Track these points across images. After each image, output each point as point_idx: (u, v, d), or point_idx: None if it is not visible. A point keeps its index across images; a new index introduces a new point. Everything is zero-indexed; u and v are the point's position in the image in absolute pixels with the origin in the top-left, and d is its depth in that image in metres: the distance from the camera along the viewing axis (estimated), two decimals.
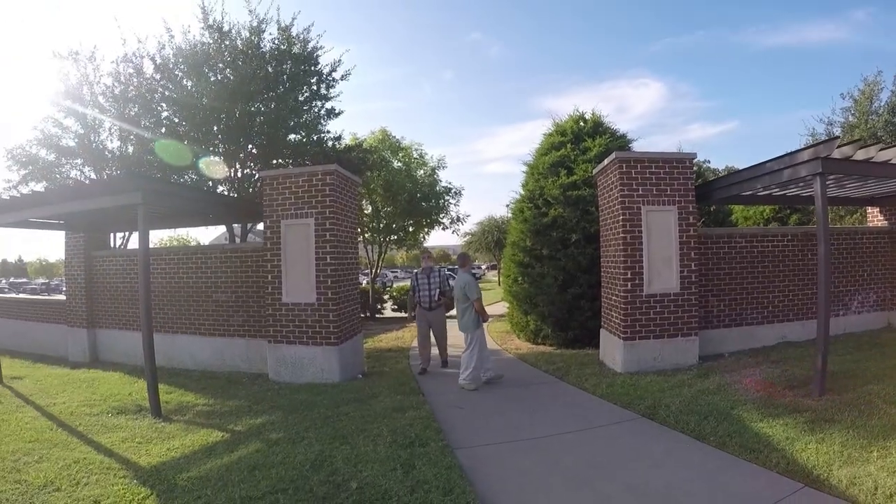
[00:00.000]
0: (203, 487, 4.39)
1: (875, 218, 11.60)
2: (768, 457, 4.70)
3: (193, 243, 36.00)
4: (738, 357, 8.87)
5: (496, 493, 4.33)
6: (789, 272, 10.01)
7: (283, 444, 5.47)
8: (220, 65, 13.65)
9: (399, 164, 21.90)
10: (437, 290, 9.60)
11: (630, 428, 5.92)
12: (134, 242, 15.10)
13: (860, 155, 7.08)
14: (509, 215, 19.66)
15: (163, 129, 13.88)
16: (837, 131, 21.71)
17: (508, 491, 4.39)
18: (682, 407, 6.25)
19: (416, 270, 9.93)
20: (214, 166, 13.56)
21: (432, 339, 9.82)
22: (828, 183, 7.58)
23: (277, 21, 14.19)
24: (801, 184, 8.61)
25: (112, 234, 13.44)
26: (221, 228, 21.84)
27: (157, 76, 13.74)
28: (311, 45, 14.54)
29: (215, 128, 13.70)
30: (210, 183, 14.04)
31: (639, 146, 12.57)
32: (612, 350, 8.89)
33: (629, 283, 8.52)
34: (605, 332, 9.38)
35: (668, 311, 8.58)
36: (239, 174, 14.43)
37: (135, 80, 13.83)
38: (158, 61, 13.67)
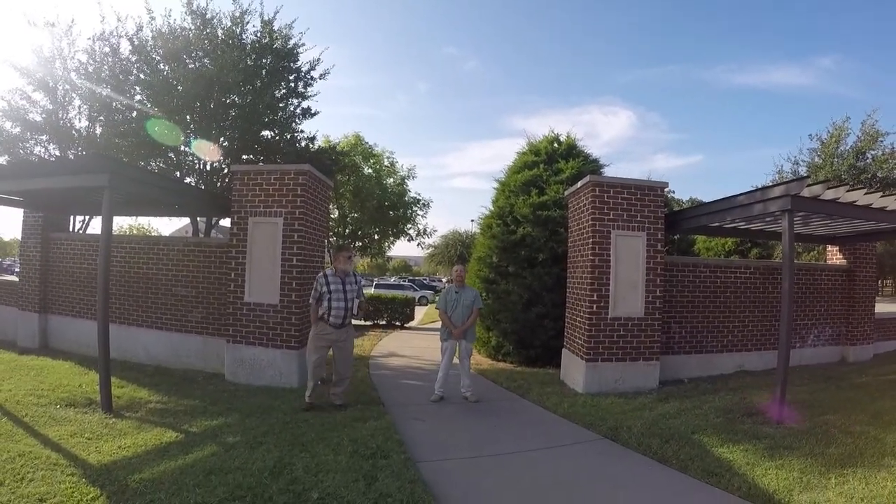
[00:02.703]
0: (156, 491, 4.20)
1: (834, 256, 12.07)
2: (730, 481, 4.78)
3: (154, 233, 35.29)
4: (697, 383, 9.06)
5: None
6: (750, 304, 10.30)
7: (241, 448, 5.30)
8: (199, 52, 13.45)
9: (370, 170, 21.85)
10: (355, 301, 7.22)
11: (593, 448, 5.94)
12: (94, 227, 14.67)
13: (829, 195, 7.32)
14: (475, 230, 19.69)
15: (134, 113, 13.52)
16: (803, 170, 22.59)
17: None
18: (643, 429, 6.31)
19: (325, 271, 7.49)
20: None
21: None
22: (794, 220, 7.79)
23: (261, 14, 14.07)
24: (769, 219, 8.87)
25: (72, 217, 13.02)
26: (184, 221, 21.38)
27: (134, 58, 13.42)
28: (292, 41, 14.48)
29: (188, 117, 13.44)
30: (178, 173, 13.75)
31: (607, 172, 12.71)
32: (574, 370, 8.92)
33: (595, 306, 8.58)
34: (568, 353, 9.42)
35: (631, 335, 8.68)
36: (209, 166, 14.16)
37: (110, 59, 13.48)
38: (136, 42, 13.39)
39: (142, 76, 13.41)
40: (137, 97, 13.81)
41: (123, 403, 6.88)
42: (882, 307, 14.08)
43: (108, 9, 33.26)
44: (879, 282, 49.30)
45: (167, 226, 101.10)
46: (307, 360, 7.19)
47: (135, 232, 31.54)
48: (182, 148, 13.88)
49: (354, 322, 7.84)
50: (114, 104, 13.55)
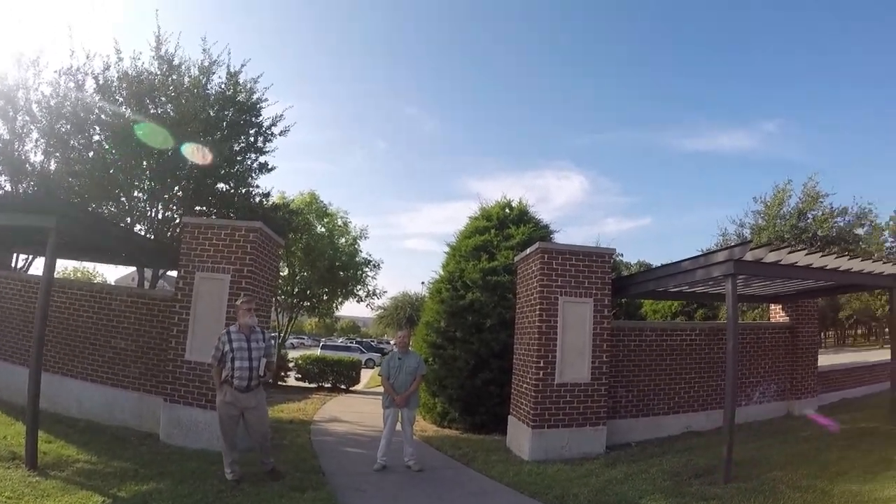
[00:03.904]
0: None
1: (777, 314, 12.49)
2: None
3: (99, 279, 34.27)
4: (644, 446, 9.08)
5: None
6: (695, 365, 10.48)
7: None
8: (163, 98, 13.35)
9: (323, 229, 21.78)
10: (262, 361, 6.59)
11: None
12: (37, 267, 14.17)
13: (771, 258, 7.60)
14: (425, 293, 19.66)
15: (91, 153, 13.26)
16: (747, 232, 23.51)
17: None
18: (590, 497, 6.30)
19: (229, 328, 6.69)
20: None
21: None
22: (738, 282, 8.04)
23: (228, 65, 14.11)
24: (711, 282, 9.09)
25: (15, 255, 12.59)
26: (131, 268, 20.86)
27: (97, 97, 13.24)
28: (255, 95, 14.50)
29: (145, 162, 13.24)
30: (128, 219, 13.47)
31: (559, 237, 13.04)
32: (520, 437, 8.87)
33: (541, 372, 8.61)
34: (514, 419, 9.37)
35: (577, 401, 8.71)
36: (160, 216, 13.92)
37: (73, 94, 13.26)
38: (101, 81, 13.20)
39: (102, 116, 13.22)
40: (96, 137, 13.57)
41: (50, 461, 6.52)
42: (825, 359, 14.50)
43: (78, 44, 33.06)
44: (821, 334, 50.73)
45: (113, 272, 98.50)
46: (220, 431, 6.49)
47: (79, 276, 30.58)
48: (134, 194, 13.65)
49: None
50: (71, 142, 13.28)
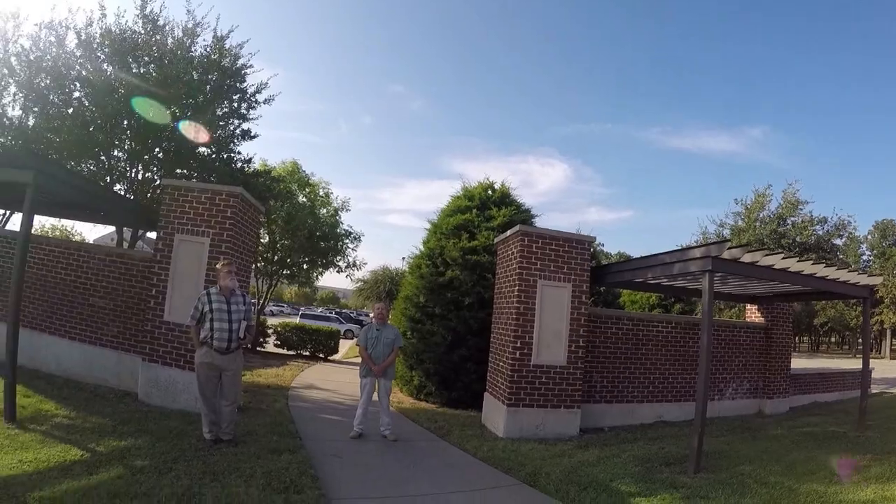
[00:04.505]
0: None
1: (753, 314, 12.83)
2: None
3: (77, 237, 33.66)
4: (617, 432, 9.32)
5: None
6: (670, 356, 10.74)
7: (149, 473, 5.10)
8: (146, 58, 13.06)
9: (304, 199, 21.63)
10: (241, 324, 6.53)
11: (510, 493, 5.99)
12: (14, 224, 13.90)
13: (747, 258, 7.79)
14: (405, 269, 19.65)
15: (70, 110, 12.97)
16: (727, 233, 23.82)
17: None
18: (562, 476, 6.41)
19: (209, 289, 6.62)
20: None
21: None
22: (714, 279, 8.21)
23: (214, 29, 13.85)
24: (690, 277, 9.27)
25: None
26: (110, 228, 20.51)
27: (79, 52, 12.93)
28: (241, 61, 14.24)
29: (125, 122, 13.00)
30: (108, 178, 13.26)
31: (540, 222, 13.04)
32: (496, 415, 9.00)
33: (518, 352, 8.73)
34: (490, 397, 9.50)
35: (553, 383, 8.85)
36: (140, 176, 13.71)
37: (54, 49, 12.90)
38: (83, 37, 12.87)
39: (83, 73, 12.93)
40: (76, 94, 13.28)
41: (28, 414, 6.53)
42: (798, 363, 14.92)
43: None
44: (796, 339, 52.09)
45: (91, 231, 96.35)
46: (198, 391, 6.48)
47: (57, 234, 29.99)
48: (114, 153, 13.41)
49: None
50: (51, 97, 12.96)
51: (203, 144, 13.52)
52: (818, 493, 6.05)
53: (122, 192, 13.41)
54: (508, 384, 8.67)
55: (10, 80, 12.98)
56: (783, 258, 8.22)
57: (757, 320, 12.64)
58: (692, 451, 6.97)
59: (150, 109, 12.52)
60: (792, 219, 23.79)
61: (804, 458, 7.77)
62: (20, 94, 13.08)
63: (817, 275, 8.91)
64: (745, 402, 11.80)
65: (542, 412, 8.73)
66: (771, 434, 9.59)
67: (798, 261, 8.46)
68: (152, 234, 11.03)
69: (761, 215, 23.94)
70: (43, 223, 32.65)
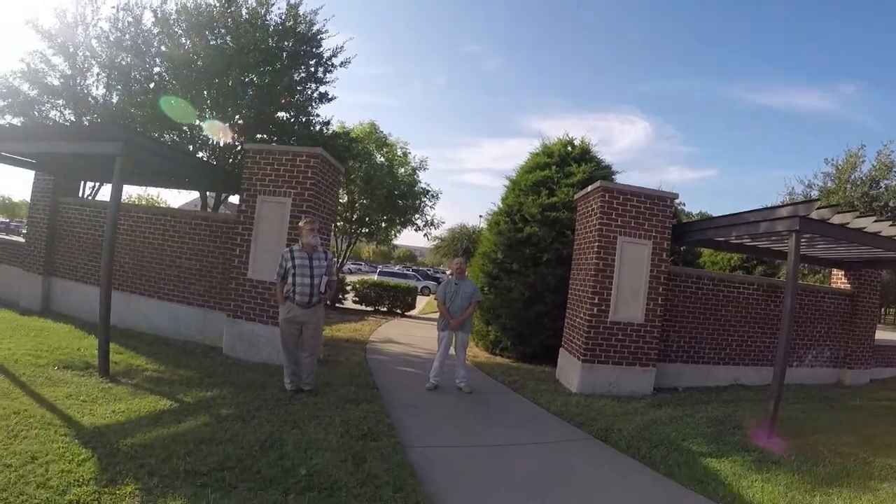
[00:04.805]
0: (147, 456, 4.22)
1: (839, 280, 12.10)
2: (715, 489, 4.81)
3: (163, 205, 35.35)
4: (691, 393, 9.11)
5: (445, 495, 4.30)
6: (750, 319, 10.32)
7: (233, 421, 5.36)
8: (223, 29, 13.39)
9: (382, 158, 21.79)
10: (323, 279, 6.73)
11: (582, 447, 5.97)
12: (104, 195, 14.71)
13: (837, 219, 7.30)
14: (482, 226, 19.66)
15: (152, 85, 13.55)
16: (815, 194, 22.54)
17: (457, 494, 4.38)
18: (634, 433, 6.33)
19: (293, 246, 6.91)
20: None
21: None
22: (801, 241, 7.80)
23: None
24: (775, 238, 8.86)
25: (83, 183, 13.07)
26: (193, 194, 21.35)
27: (156, 30, 13.43)
28: (315, 27, 14.39)
29: (206, 92, 13.44)
30: (191, 147, 13.79)
31: (620, 179, 12.69)
32: (570, 370, 8.95)
33: (595, 308, 8.61)
34: (565, 353, 9.46)
35: (629, 340, 8.70)
36: (221, 143, 14.19)
37: (132, 29, 13.47)
38: (159, 14, 13.35)
39: (162, 48, 13.41)
40: (156, 69, 13.82)
41: (121, 369, 6.93)
42: (883, 335, 14.10)
43: None
44: (882, 309, 49.25)
45: (176, 198, 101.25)
46: (281, 344, 6.82)
47: (144, 202, 31.55)
48: (197, 123, 13.91)
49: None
50: (132, 74, 13.55)
51: (274, 102, 13.79)
52: (893, 468, 5.72)
53: (206, 159, 13.92)
54: (584, 340, 8.59)
55: (94, 62, 13.64)
56: (875, 221, 7.68)
57: (843, 286, 11.92)
58: (767, 416, 6.75)
59: (228, 79, 12.89)
60: (886, 182, 22.25)
61: (882, 431, 7.35)
62: (103, 74, 13.75)
63: None
64: (824, 371, 11.23)
65: (617, 369, 8.62)
66: (849, 405, 9.14)
67: (891, 225, 7.86)
68: (234, 199, 11.41)
69: (853, 177, 22.53)
70: (129, 192, 34.46)
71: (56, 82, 13.45)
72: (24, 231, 13.73)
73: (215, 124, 13.30)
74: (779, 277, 16.83)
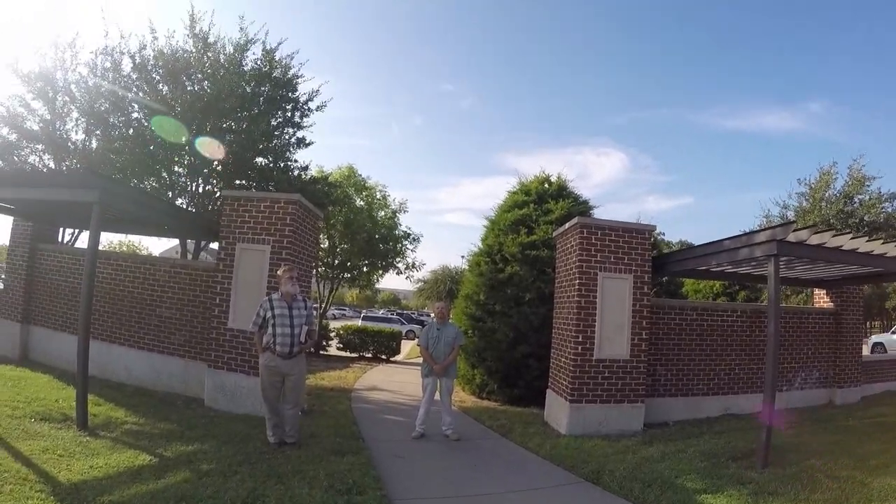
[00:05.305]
0: None
1: (822, 299, 12.21)
2: None
3: (144, 252, 35.09)
4: (682, 426, 9.02)
5: None
6: (736, 346, 10.33)
7: (214, 476, 5.20)
8: (199, 75, 13.47)
9: (362, 202, 21.87)
10: (303, 329, 6.59)
11: (574, 491, 5.87)
12: (83, 241, 14.54)
13: (814, 240, 7.39)
14: (464, 267, 19.72)
15: (130, 131, 13.51)
16: (791, 214, 22.83)
17: None
18: (626, 473, 6.24)
19: (272, 295, 6.76)
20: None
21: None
22: (780, 264, 7.86)
23: (263, 42, 14.16)
24: (755, 263, 8.91)
25: (62, 229, 12.92)
26: (174, 241, 21.17)
27: (134, 76, 13.46)
28: (292, 71, 14.54)
29: (184, 138, 13.44)
30: (170, 194, 13.72)
31: (598, 213, 12.86)
32: (558, 411, 8.86)
33: (580, 347, 8.56)
34: (552, 393, 9.37)
35: (616, 377, 8.64)
36: (200, 189, 14.14)
37: (110, 74, 13.50)
38: (137, 61, 13.39)
39: (140, 94, 13.43)
40: (135, 115, 13.81)
41: (99, 422, 6.76)
42: (869, 350, 14.15)
43: (113, 25, 33.73)
44: (866, 324, 49.64)
45: (157, 245, 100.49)
46: (262, 396, 6.63)
47: (124, 249, 31.36)
48: (175, 169, 13.86)
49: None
50: (111, 119, 13.53)
51: (252, 148, 13.79)
52: (892, 488, 5.69)
53: (184, 206, 13.84)
54: (571, 380, 8.51)
55: (72, 107, 13.61)
56: (852, 238, 7.77)
57: (826, 305, 12.01)
58: (760, 445, 6.70)
59: (206, 125, 12.89)
60: (859, 196, 22.49)
61: (877, 450, 7.35)
62: (82, 119, 13.71)
63: (888, 255, 8.39)
64: (815, 392, 11.22)
65: (606, 407, 8.54)
66: (842, 425, 9.14)
67: (868, 240, 7.96)
68: (215, 245, 11.35)
69: (827, 194, 22.80)
70: (111, 239, 34.21)
71: (35, 127, 13.37)
72: (2, 277, 13.49)
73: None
74: (762, 302, 16.95)
